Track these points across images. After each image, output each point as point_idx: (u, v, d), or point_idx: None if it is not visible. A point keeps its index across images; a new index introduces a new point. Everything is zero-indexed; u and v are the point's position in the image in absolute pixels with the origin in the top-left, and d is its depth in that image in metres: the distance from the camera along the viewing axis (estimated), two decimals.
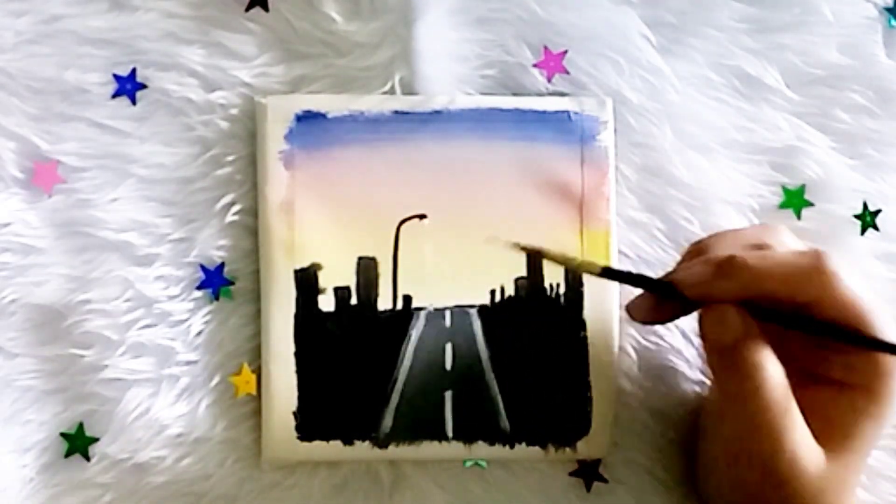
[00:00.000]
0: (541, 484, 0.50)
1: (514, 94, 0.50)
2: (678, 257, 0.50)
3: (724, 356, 0.44)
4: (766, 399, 0.43)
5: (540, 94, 0.50)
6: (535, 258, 0.49)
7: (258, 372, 0.49)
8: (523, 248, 0.47)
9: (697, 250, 0.46)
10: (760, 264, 0.43)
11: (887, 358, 0.43)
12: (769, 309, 0.44)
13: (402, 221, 0.49)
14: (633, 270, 0.50)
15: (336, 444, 0.48)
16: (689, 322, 0.50)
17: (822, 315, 0.43)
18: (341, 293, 0.49)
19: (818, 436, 0.44)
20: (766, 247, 0.45)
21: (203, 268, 0.49)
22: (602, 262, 0.47)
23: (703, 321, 0.44)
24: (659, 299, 0.45)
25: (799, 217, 0.52)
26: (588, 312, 0.49)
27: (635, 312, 0.46)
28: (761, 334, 0.43)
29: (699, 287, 0.44)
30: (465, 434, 0.49)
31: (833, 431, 0.44)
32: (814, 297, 0.43)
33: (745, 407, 0.43)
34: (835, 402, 0.44)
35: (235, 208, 0.49)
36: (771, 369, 0.43)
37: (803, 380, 0.44)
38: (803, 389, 0.44)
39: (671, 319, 0.47)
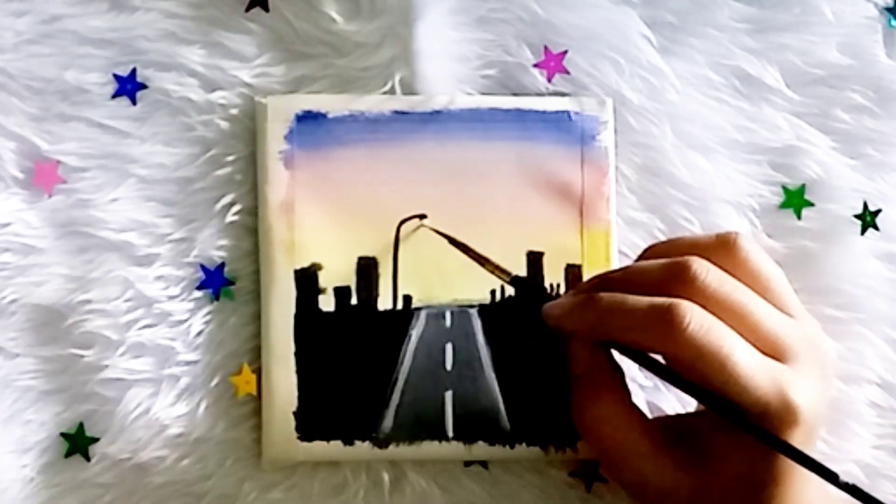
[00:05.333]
0: (541, 484, 0.50)
1: (514, 94, 0.50)
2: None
3: (573, 385, 0.46)
4: (602, 430, 0.45)
5: (540, 94, 0.50)
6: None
7: (258, 372, 0.49)
8: (446, 237, 0.48)
9: (653, 254, 0.46)
10: (614, 308, 0.43)
11: (755, 404, 0.42)
12: (627, 347, 0.45)
13: (402, 221, 0.49)
14: None
15: (336, 444, 0.48)
16: None
17: (677, 366, 0.43)
18: (341, 293, 0.49)
19: (697, 463, 0.44)
20: (717, 263, 0.44)
21: (203, 268, 0.49)
22: (514, 272, 0.48)
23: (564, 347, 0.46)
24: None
25: (799, 217, 0.52)
26: None
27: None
28: (611, 368, 0.45)
29: (557, 321, 0.45)
30: (465, 434, 0.49)
31: (708, 459, 0.44)
32: (662, 348, 0.43)
33: (588, 437, 0.46)
34: (711, 435, 0.44)
35: (235, 208, 0.49)
36: (608, 402, 0.45)
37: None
38: (690, 417, 0.46)
39: None
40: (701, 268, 0.43)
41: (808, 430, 0.43)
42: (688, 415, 0.48)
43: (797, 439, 0.42)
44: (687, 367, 0.42)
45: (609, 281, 0.46)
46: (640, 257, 0.47)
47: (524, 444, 0.49)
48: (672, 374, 0.44)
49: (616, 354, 0.46)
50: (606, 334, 0.44)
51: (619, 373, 0.46)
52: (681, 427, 0.46)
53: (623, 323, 0.43)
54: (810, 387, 0.43)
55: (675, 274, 0.43)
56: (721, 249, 0.44)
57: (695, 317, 0.41)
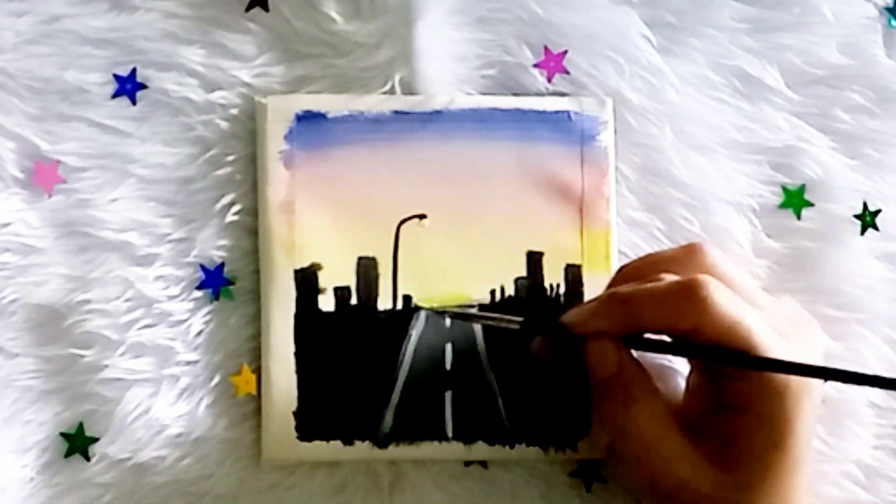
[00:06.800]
0: (541, 484, 0.50)
1: (514, 94, 0.50)
2: None
3: (601, 390, 0.45)
4: (640, 430, 0.44)
5: (540, 94, 0.50)
6: (534, 265, 0.49)
7: (258, 372, 0.49)
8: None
9: (623, 276, 0.47)
10: (639, 295, 0.44)
11: (776, 379, 0.43)
12: (650, 340, 0.45)
13: (402, 221, 0.49)
14: None
15: (336, 444, 0.48)
16: None
17: (705, 342, 0.43)
18: (341, 293, 0.49)
19: (724, 461, 0.44)
20: (674, 272, 0.45)
21: (203, 268, 0.49)
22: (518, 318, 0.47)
23: (585, 356, 0.45)
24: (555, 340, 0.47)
25: (799, 217, 0.52)
26: None
27: (536, 352, 0.48)
28: (639, 368, 0.45)
29: (582, 326, 0.45)
30: (465, 434, 0.49)
31: (734, 457, 0.44)
32: (692, 325, 0.43)
33: (624, 439, 0.45)
34: (734, 428, 0.44)
35: (235, 208, 0.49)
36: (644, 402, 0.44)
37: (716, 407, 0.45)
38: (714, 416, 0.45)
39: (570, 356, 0.47)
40: (710, 250, 0.46)
41: (817, 401, 0.45)
42: (698, 413, 0.47)
43: (812, 410, 0.44)
44: (714, 341, 0.43)
45: (618, 283, 0.46)
46: (613, 281, 0.47)
47: (524, 444, 0.49)
48: (704, 349, 0.44)
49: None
50: (636, 324, 0.44)
51: (645, 371, 0.46)
52: (696, 424, 0.46)
53: (652, 305, 0.44)
54: (810, 360, 0.44)
55: (689, 255, 0.46)
56: (689, 258, 0.46)
57: (717, 288, 0.43)
